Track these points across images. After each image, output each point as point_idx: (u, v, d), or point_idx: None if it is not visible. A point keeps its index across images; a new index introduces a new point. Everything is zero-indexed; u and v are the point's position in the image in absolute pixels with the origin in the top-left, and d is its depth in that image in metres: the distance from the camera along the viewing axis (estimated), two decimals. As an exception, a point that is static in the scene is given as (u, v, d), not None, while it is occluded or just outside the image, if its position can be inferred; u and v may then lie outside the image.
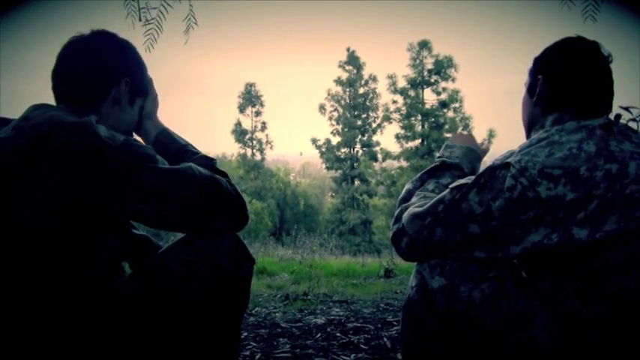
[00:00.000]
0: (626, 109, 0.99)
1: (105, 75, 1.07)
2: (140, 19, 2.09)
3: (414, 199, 1.12)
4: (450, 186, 1.01)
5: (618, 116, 0.98)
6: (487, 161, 1.09)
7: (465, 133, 1.33)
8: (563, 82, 1.01)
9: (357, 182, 26.02)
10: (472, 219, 0.95)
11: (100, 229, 0.95)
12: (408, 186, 1.20)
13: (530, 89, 1.09)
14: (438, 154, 1.25)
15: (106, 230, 0.97)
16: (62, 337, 0.90)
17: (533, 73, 1.08)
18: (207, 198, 1.01)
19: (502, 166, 0.93)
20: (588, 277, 0.90)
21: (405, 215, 1.06)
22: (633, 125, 0.99)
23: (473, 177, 0.98)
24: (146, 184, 0.93)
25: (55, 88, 1.06)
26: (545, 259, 0.95)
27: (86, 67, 1.05)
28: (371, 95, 26.26)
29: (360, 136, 25.99)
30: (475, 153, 1.23)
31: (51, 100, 1.06)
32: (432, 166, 1.21)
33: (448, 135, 21.06)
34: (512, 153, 0.96)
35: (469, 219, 0.95)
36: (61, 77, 1.06)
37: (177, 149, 1.15)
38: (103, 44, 1.08)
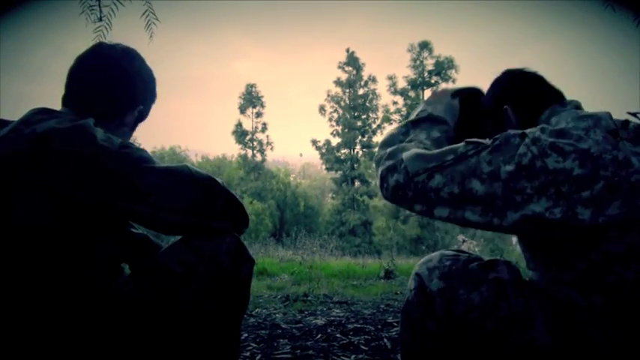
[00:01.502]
0: (634, 114, 0.99)
1: (129, 100, 1.12)
2: (101, 19, 2.09)
3: (409, 144, 1.06)
4: (467, 140, 0.97)
5: (626, 122, 0.98)
6: None
7: (442, 90, 1.27)
8: (529, 96, 1.10)
9: (357, 183, 26.04)
10: (476, 175, 0.91)
11: (99, 229, 0.95)
12: (391, 131, 1.14)
13: (500, 123, 1.12)
14: (419, 109, 1.19)
15: (106, 231, 0.97)
16: (62, 337, 0.90)
17: (495, 109, 1.13)
18: (205, 196, 1.02)
19: (518, 135, 0.93)
20: (585, 267, 0.90)
21: (409, 154, 1.00)
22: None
23: (490, 139, 0.96)
24: (144, 185, 0.94)
25: (72, 89, 1.07)
26: (544, 246, 0.94)
27: (116, 85, 1.09)
28: (371, 96, 26.30)
29: (360, 137, 26.01)
30: (454, 108, 1.20)
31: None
32: (419, 117, 1.15)
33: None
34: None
35: (473, 174, 0.92)
36: (84, 83, 1.07)
37: None
38: (139, 70, 1.13)
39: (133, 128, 1.18)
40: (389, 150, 1.05)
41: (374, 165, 1.09)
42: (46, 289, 0.89)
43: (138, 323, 0.96)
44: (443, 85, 21.70)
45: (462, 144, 0.96)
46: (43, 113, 0.96)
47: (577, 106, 1.05)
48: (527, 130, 0.93)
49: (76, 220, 0.90)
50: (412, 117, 1.18)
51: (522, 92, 1.11)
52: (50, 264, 0.89)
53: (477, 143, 0.95)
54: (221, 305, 1.07)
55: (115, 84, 1.09)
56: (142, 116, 1.19)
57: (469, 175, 0.92)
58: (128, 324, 0.96)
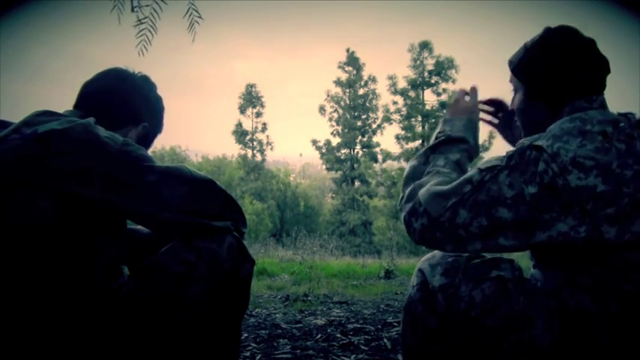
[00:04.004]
0: (624, 115, 0.97)
1: (130, 113, 1.14)
2: (133, 10, 1.91)
3: (426, 177, 1.05)
4: (479, 166, 0.95)
5: (617, 122, 0.96)
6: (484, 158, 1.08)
7: (460, 97, 1.21)
8: (566, 72, 1.00)
9: (357, 183, 26.03)
10: (501, 202, 0.89)
11: (99, 229, 0.95)
12: (412, 162, 1.12)
13: (530, 92, 1.06)
14: (437, 130, 1.17)
15: (106, 231, 0.97)
16: (62, 338, 0.90)
17: (527, 76, 1.06)
18: (204, 196, 1.02)
19: (532, 147, 0.90)
20: (604, 273, 0.88)
21: (424, 193, 0.97)
22: None
23: (503, 157, 0.94)
24: (144, 184, 0.94)
25: (80, 97, 1.11)
26: (562, 251, 0.92)
27: (118, 96, 1.13)
28: (371, 96, 26.29)
29: (360, 137, 26.00)
30: (474, 124, 1.16)
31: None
32: (437, 141, 1.13)
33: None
34: (540, 136, 0.93)
35: (498, 202, 0.90)
36: (96, 92, 1.12)
37: None
38: (143, 88, 1.18)
39: None
40: (408, 190, 1.03)
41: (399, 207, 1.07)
42: (45, 289, 0.89)
43: (138, 323, 0.96)
44: (443, 85, 21.72)
45: (476, 171, 0.94)
46: (46, 115, 0.97)
47: (602, 103, 1.00)
48: (542, 143, 0.89)
49: (77, 219, 0.90)
50: (431, 140, 1.16)
51: (552, 78, 1.01)
52: (50, 264, 0.88)
53: (492, 167, 0.92)
54: (221, 305, 1.07)
55: (118, 95, 1.13)
56: (147, 137, 1.21)
57: (495, 204, 0.90)
58: (128, 324, 0.95)
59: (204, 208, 1.03)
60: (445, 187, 0.95)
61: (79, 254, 0.92)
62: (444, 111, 1.23)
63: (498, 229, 0.90)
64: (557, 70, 1.01)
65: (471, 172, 0.95)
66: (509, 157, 0.92)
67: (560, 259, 0.95)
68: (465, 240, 0.93)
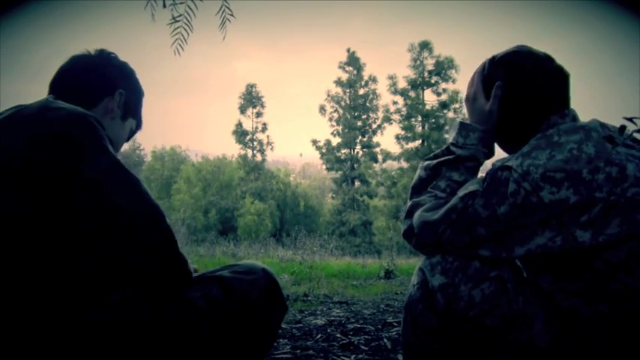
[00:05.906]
0: (630, 119, 0.98)
1: (101, 83, 1.11)
2: (164, 6, 1.82)
3: (424, 197, 1.10)
4: (459, 194, 1.00)
5: (623, 127, 0.98)
6: (488, 164, 1.09)
7: (478, 91, 1.15)
8: (539, 94, 1.04)
9: (357, 183, 26.04)
10: (479, 222, 0.95)
11: (65, 239, 0.82)
12: (420, 172, 1.15)
13: (508, 115, 1.10)
14: (452, 135, 1.15)
15: (75, 243, 0.83)
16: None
17: (504, 104, 1.09)
18: (145, 223, 0.86)
19: (502, 168, 0.94)
20: (590, 276, 0.90)
21: (417, 220, 1.05)
22: (638, 136, 0.99)
23: (481, 180, 0.99)
24: (85, 169, 0.82)
25: (51, 88, 1.10)
26: (546, 259, 0.95)
27: (84, 71, 1.11)
28: (371, 96, 26.31)
29: (360, 137, 26.01)
30: (489, 135, 1.13)
31: None
32: (447, 158, 1.12)
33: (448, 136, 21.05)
34: (511, 157, 0.97)
35: (476, 222, 0.95)
36: (60, 79, 1.10)
37: None
38: (102, 59, 1.14)
39: (124, 117, 1.14)
40: (408, 205, 1.12)
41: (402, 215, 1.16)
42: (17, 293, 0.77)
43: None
44: (443, 85, 21.74)
45: (458, 199, 0.99)
46: (18, 106, 0.93)
47: (574, 117, 1.03)
48: (512, 163, 0.93)
49: (40, 209, 0.79)
50: (449, 139, 1.16)
51: (525, 99, 1.05)
52: (20, 264, 0.78)
53: (471, 194, 0.97)
54: (242, 350, 0.99)
55: (83, 71, 1.11)
56: (129, 104, 1.15)
57: (474, 224, 0.96)
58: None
59: (141, 234, 0.85)
60: (435, 217, 1.02)
61: (37, 266, 0.79)
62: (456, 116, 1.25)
63: (478, 243, 0.97)
64: (527, 92, 1.05)
65: (454, 200, 1.00)
66: (483, 179, 0.97)
67: (545, 267, 0.97)
68: (451, 251, 1.01)
